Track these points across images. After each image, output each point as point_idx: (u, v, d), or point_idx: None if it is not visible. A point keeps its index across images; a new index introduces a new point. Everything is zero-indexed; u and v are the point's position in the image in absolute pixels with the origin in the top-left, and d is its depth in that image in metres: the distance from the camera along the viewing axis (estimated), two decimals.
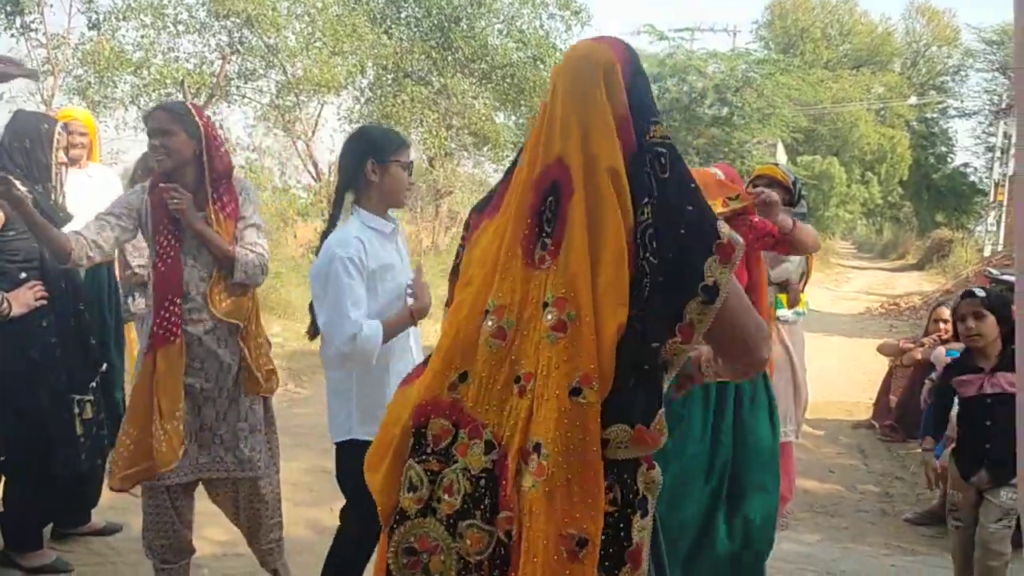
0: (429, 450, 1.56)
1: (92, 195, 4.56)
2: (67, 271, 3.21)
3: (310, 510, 4.34)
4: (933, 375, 6.03)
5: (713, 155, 20.63)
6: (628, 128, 1.55)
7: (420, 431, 1.57)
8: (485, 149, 17.69)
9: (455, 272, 1.74)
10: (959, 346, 6.13)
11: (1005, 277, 9.91)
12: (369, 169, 2.69)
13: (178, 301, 2.87)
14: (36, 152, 3.18)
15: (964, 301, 3.57)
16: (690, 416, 2.88)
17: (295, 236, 12.70)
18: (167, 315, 2.86)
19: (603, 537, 1.43)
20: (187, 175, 2.93)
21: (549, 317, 1.48)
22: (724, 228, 1.52)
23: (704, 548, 2.87)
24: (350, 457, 2.63)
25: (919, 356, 6.34)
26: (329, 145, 18.70)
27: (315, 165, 15.13)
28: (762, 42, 33.84)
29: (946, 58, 36.36)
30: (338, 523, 2.90)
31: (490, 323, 1.54)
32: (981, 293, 3.57)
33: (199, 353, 2.93)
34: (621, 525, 1.46)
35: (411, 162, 2.79)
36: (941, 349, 6.09)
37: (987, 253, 20.11)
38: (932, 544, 4.49)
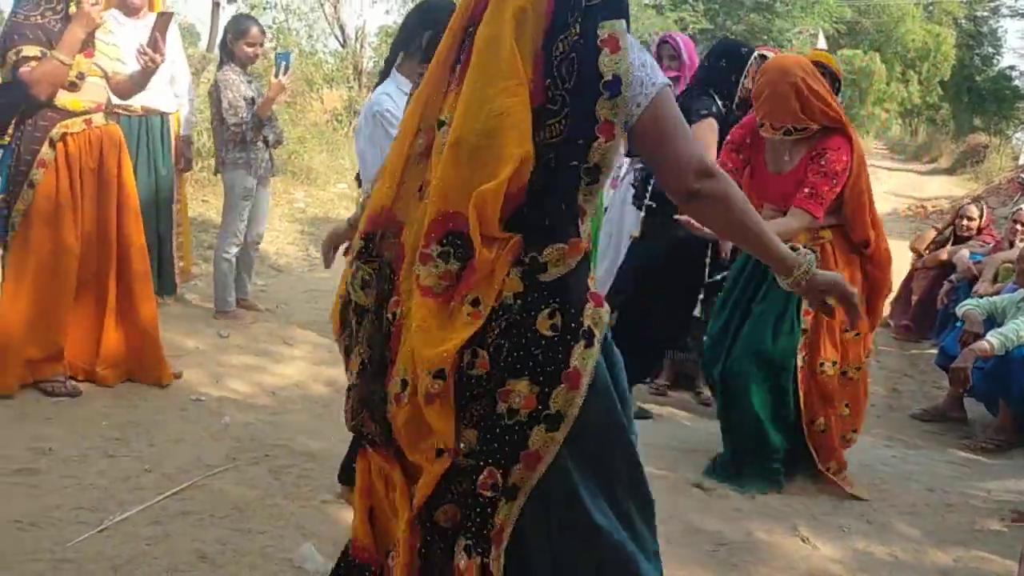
0: (374, 252, 1.66)
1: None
2: None
3: (330, 369, 4.47)
4: (952, 277, 6.03)
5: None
6: None
7: (369, 236, 1.67)
8: None
9: None
10: (982, 249, 6.11)
11: None
12: (425, 41, 2.68)
13: None
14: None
15: None
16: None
17: (321, 102, 12.54)
18: None
19: (539, 357, 1.52)
20: None
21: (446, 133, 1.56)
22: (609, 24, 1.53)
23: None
24: None
25: (944, 257, 6.32)
26: (357, 9, 18.24)
27: (342, 30, 14.79)
28: None
29: None
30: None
31: (419, 142, 1.64)
32: None
33: None
34: (560, 348, 1.53)
35: None
36: (965, 252, 6.07)
37: (1022, 161, 19.63)
38: (933, 440, 4.57)
